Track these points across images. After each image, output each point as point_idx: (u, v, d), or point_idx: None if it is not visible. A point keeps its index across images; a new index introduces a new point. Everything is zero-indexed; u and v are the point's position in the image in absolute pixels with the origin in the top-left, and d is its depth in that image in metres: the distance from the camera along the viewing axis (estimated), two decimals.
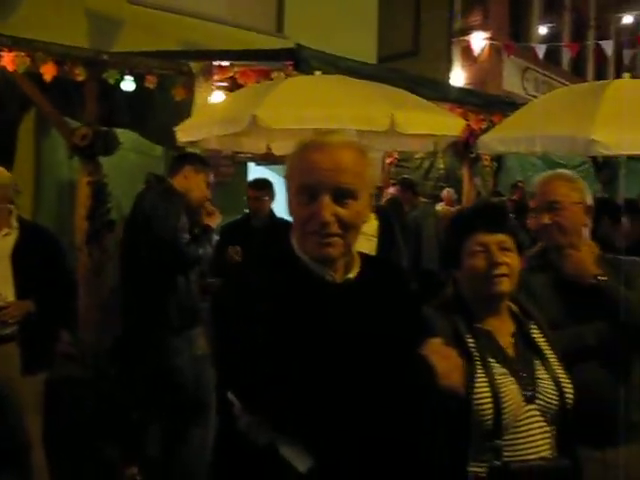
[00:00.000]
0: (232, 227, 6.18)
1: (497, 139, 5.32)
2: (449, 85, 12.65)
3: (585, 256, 2.90)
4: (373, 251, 5.58)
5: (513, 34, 17.07)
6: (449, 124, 5.86)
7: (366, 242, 5.49)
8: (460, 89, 11.52)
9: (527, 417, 2.21)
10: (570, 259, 2.90)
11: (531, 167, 11.59)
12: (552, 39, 17.22)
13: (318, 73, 6.16)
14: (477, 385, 2.17)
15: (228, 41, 8.84)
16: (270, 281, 1.85)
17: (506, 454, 2.17)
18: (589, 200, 3.03)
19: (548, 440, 2.23)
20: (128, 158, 7.06)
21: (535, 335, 2.37)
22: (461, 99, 8.66)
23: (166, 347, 4.54)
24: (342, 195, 1.85)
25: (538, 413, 2.22)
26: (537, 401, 2.22)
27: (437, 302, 2.46)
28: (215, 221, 4.83)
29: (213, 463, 2.02)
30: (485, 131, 7.16)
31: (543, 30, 17.33)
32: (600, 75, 19.03)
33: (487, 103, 9.03)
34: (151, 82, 6.52)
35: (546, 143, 4.86)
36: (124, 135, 6.67)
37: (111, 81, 6.44)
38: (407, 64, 13.47)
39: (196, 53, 7.79)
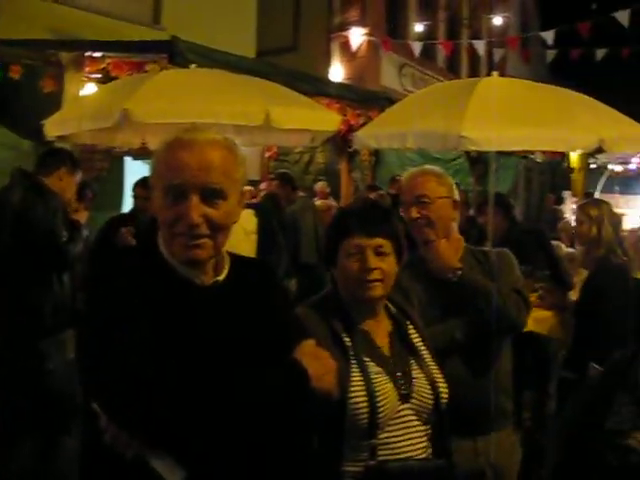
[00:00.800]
0: (119, 221, 5.99)
1: (372, 135, 5.38)
2: (327, 80, 12.73)
3: (447, 251, 2.95)
4: (253, 248, 5.56)
5: (390, 31, 17.36)
6: (325, 119, 5.90)
7: (246, 239, 5.46)
8: (338, 84, 11.64)
9: (402, 416, 2.22)
10: (432, 254, 2.95)
11: (409, 161, 11.82)
12: (428, 36, 17.61)
13: (194, 66, 6.07)
14: (352, 384, 2.17)
15: (101, 31, 8.57)
16: (136, 286, 1.76)
17: (382, 453, 2.17)
18: (456, 195, 3.08)
19: (423, 439, 2.25)
20: None
21: (412, 334, 2.38)
22: (339, 94, 8.76)
23: (37, 350, 4.35)
24: (211, 195, 1.79)
25: (413, 412, 2.23)
26: (412, 400, 2.23)
27: (315, 300, 2.45)
28: (83, 217, 4.72)
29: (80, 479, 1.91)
30: (363, 126, 7.25)
31: (419, 27, 17.71)
32: (474, 72, 19.58)
33: (364, 98, 9.17)
34: (16, 72, 6.23)
35: (418, 139, 4.96)
36: None
37: None
38: (286, 59, 13.47)
39: (66, 43, 7.52)
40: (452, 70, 20.08)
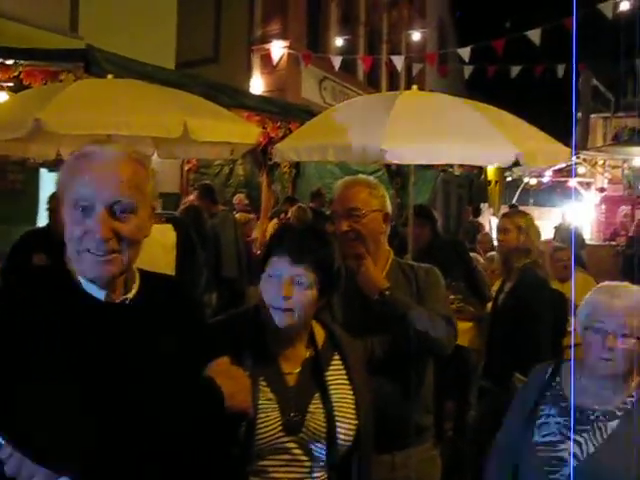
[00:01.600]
0: (33, 236, 5.77)
1: (292, 148, 5.34)
2: (248, 92, 12.71)
3: (374, 272, 2.89)
4: (172, 263, 5.44)
5: (311, 44, 17.44)
6: (244, 132, 5.84)
7: (164, 255, 5.33)
8: (258, 97, 11.63)
9: (288, 448, 2.13)
10: (361, 272, 2.89)
11: (329, 174, 11.91)
12: (348, 51, 17.79)
13: (111, 76, 5.93)
14: None
15: (15, 38, 8.27)
16: (37, 306, 1.68)
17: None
18: (388, 208, 3.05)
19: (305, 474, 2.16)
20: None
21: (332, 368, 2.28)
22: (259, 107, 8.72)
23: None
24: (120, 209, 1.73)
25: (300, 446, 2.14)
26: (300, 435, 2.14)
27: (232, 314, 2.38)
28: None
29: None
30: (283, 138, 7.23)
31: (340, 42, 17.87)
32: (393, 87, 19.86)
33: (285, 111, 9.17)
34: None
35: (339, 152, 4.93)
36: None
37: None
38: (207, 70, 13.36)
39: None
40: (372, 84, 20.28)
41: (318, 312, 2.29)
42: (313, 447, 2.16)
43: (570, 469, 2.37)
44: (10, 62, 6.61)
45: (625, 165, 16.01)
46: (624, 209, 15.84)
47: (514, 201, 15.74)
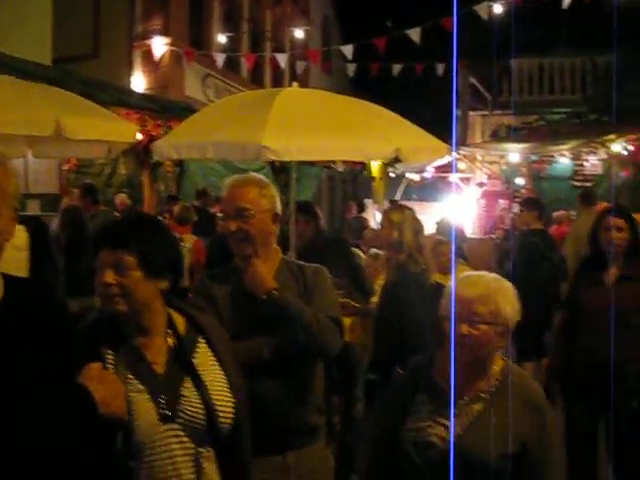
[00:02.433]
0: None
1: (171, 145, 5.25)
2: (128, 90, 12.43)
3: (262, 272, 2.87)
4: (24, 264, 5.30)
5: (194, 41, 17.22)
6: (121, 130, 5.72)
7: (16, 255, 5.17)
8: (139, 94, 11.42)
9: (166, 437, 2.13)
10: (249, 272, 2.86)
11: (213, 172, 11.80)
12: (231, 48, 17.67)
13: None
14: None
15: None
16: None
17: (147, 474, 2.10)
18: (278, 208, 3.01)
19: (191, 461, 2.17)
20: None
21: (199, 352, 2.29)
22: (139, 104, 8.56)
23: None
24: None
25: (181, 433, 2.15)
26: (178, 420, 2.15)
27: (93, 314, 2.33)
28: None
29: None
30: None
31: (222, 39, 17.71)
32: (277, 84, 19.82)
33: (165, 109, 9.03)
34: None
35: (218, 149, 4.88)
36: None
37: None
38: (87, 67, 13.00)
39: None
40: (255, 82, 20.23)
41: (166, 297, 2.28)
42: (193, 431, 2.17)
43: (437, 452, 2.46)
44: None
45: (502, 161, 16.59)
46: (502, 203, 16.39)
47: (398, 196, 16.04)
